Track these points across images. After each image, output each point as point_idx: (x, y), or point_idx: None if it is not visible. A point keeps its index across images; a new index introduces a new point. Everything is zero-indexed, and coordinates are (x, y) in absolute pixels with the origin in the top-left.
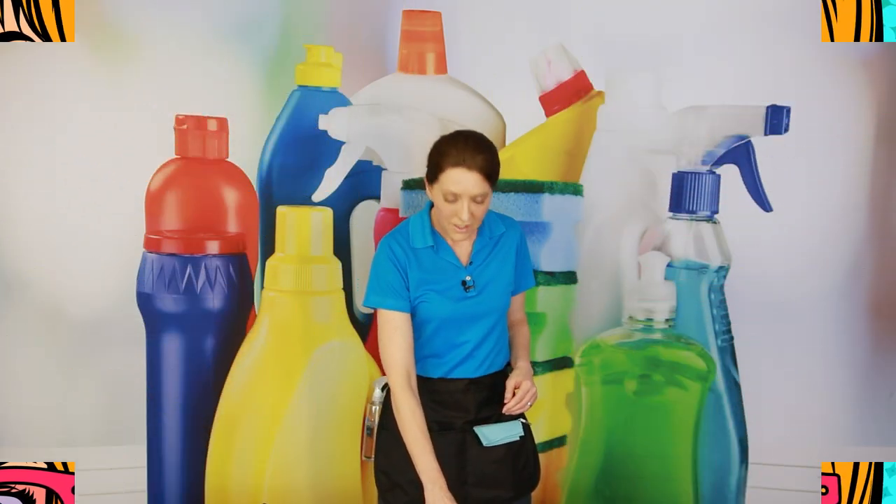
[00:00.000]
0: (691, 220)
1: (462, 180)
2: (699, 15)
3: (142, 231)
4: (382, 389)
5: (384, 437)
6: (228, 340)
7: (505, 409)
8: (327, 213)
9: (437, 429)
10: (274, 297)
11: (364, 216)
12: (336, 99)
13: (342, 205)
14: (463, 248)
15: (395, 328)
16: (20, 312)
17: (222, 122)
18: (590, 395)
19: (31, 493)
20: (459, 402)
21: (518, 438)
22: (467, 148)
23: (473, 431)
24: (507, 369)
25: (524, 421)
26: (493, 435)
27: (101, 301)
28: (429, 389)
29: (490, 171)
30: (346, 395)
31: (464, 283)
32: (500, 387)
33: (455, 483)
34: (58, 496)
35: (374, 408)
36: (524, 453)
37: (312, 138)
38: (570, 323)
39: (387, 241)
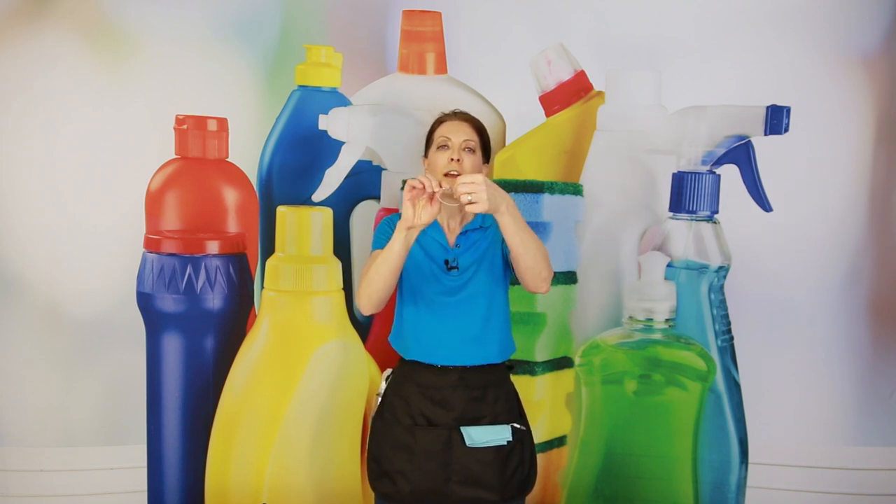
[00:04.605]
0: (691, 220)
1: (451, 128)
2: (699, 15)
3: (142, 231)
4: (386, 380)
5: (378, 426)
6: (228, 340)
7: (453, 194)
8: (327, 213)
9: (425, 423)
10: (274, 297)
11: (364, 216)
12: (336, 99)
13: (342, 205)
14: (452, 231)
15: (373, 258)
16: (20, 312)
17: (222, 122)
18: (590, 395)
19: None
20: (447, 399)
21: (505, 443)
22: (454, 112)
23: (460, 430)
24: (501, 365)
25: (521, 427)
26: (478, 436)
27: (101, 301)
28: (418, 383)
29: (476, 124)
30: (346, 395)
31: (446, 262)
32: (493, 390)
33: (439, 479)
34: None
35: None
36: (515, 458)
37: (312, 138)
38: (570, 323)
39: (384, 219)
